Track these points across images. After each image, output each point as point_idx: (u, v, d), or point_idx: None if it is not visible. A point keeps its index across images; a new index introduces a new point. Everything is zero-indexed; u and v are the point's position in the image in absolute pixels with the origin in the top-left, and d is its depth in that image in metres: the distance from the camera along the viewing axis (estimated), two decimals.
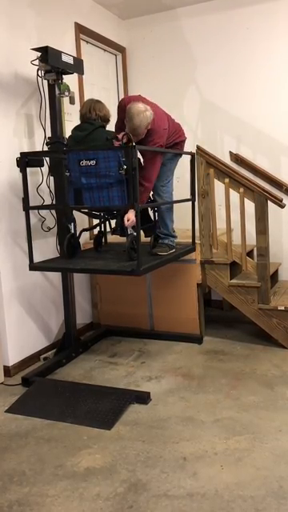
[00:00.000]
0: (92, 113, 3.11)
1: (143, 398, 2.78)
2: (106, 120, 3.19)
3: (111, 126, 3.32)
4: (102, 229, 3.61)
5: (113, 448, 2.32)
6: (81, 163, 2.88)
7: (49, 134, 3.31)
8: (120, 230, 3.31)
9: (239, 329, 3.97)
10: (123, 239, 3.30)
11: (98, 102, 3.19)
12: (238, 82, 4.28)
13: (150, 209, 3.49)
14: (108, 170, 2.81)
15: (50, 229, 3.52)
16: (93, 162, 2.84)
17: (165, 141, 3.14)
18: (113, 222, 3.49)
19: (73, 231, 3.28)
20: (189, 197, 3.51)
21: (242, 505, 1.88)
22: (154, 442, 2.36)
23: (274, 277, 4.01)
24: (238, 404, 2.71)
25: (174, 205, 3.48)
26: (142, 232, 3.14)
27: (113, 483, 2.06)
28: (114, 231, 3.41)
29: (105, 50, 4.42)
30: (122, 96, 4.59)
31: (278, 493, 1.94)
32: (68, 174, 2.96)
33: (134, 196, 2.73)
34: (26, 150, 3.33)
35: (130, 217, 2.90)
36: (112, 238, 3.69)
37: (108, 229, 3.60)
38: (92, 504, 1.93)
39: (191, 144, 3.75)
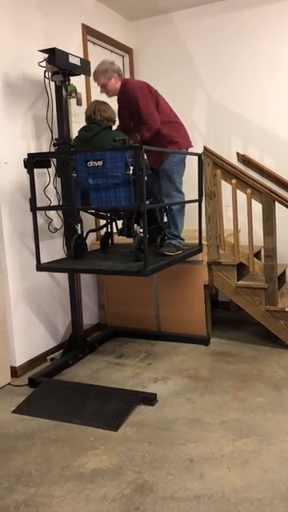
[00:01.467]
0: (97, 114, 3.09)
1: (150, 399, 2.77)
2: (112, 120, 3.18)
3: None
4: (109, 229, 3.62)
5: (119, 449, 2.32)
6: (88, 164, 2.88)
7: (56, 136, 3.32)
8: (127, 230, 3.31)
9: (246, 330, 3.95)
10: (130, 240, 3.30)
11: (103, 103, 3.19)
12: (245, 83, 4.26)
13: (157, 211, 3.50)
14: (115, 170, 2.82)
15: (56, 230, 3.53)
16: (100, 163, 2.84)
17: (152, 104, 3.20)
18: (119, 223, 3.49)
19: (79, 232, 3.29)
20: (196, 198, 3.50)
21: (249, 507, 1.87)
22: (160, 444, 2.35)
23: (282, 278, 3.99)
24: (245, 406, 2.69)
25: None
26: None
27: (119, 484, 2.06)
28: (120, 232, 3.41)
29: (112, 51, 4.43)
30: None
31: (285, 495, 1.93)
32: (75, 174, 2.97)
33: (140, 197, 2.72)
34: (33, 151, 3.34)
35: None
36: (118, 239, 3.69)
37: (115, 230, 3.60)
38: (98, 505, 1.93)
39: (198, 145, 3.74)
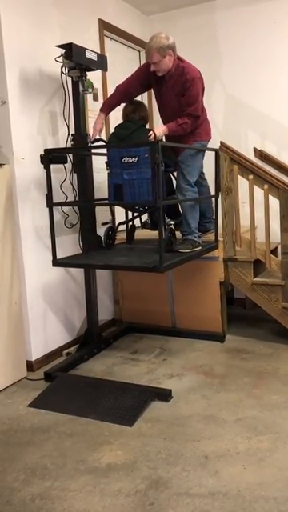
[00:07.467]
0: (136, 114, 3.27)
1: (165, 395, 2.77)
2: (146, 121, 3.37)
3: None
4: (134, 223, 3.71)
5: (134, 444, 2.33)
6: (123, 160, 2.99)
7: (72, 131, 3.32)
8: (151, 223, 3.38)
9: (262, 327, 3.92)
10: (150, 234, 3.34)
11: (142, 103, 3.40)
12: (263, 77, 4.21)
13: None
14: (148, 166, 2.89)
15: (73, 225, 3.54)
16: (135, 159, 2.95)
17: (201, 92, 3.20)
18: (143, 217, 3.58)
19: (111, 225, 3.38)
20: (212, 193, 3.48)
21: (264, 506, 1.86)
22: (175, 440, 2.35)
23: None
24: (261, 403, 2.68)
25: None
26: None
27: (134, 480, 2.06)
28: (144, 225, 3.47)
29: (128, 47, 4.41)
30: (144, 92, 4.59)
31: None
32: (108, 170, 3.09)
33: (158, 192, 2.72)
34: (49, 146, 3.35)
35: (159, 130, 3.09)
36: (138, 234, 3.71)
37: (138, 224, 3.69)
38: (113, 500, 1.94)
39: (215, 140, 3.71)
